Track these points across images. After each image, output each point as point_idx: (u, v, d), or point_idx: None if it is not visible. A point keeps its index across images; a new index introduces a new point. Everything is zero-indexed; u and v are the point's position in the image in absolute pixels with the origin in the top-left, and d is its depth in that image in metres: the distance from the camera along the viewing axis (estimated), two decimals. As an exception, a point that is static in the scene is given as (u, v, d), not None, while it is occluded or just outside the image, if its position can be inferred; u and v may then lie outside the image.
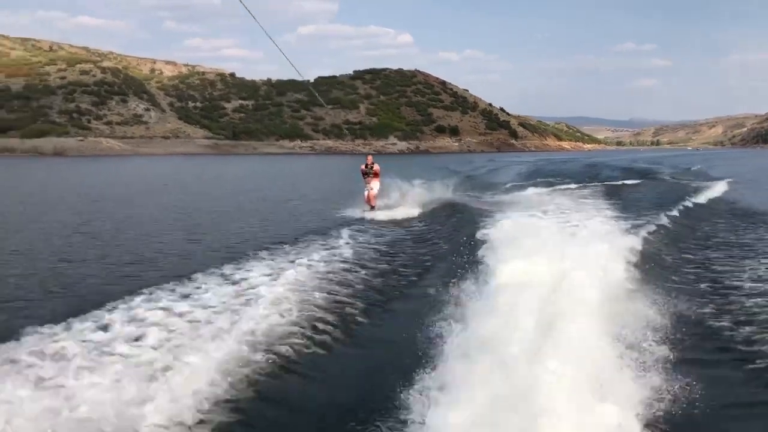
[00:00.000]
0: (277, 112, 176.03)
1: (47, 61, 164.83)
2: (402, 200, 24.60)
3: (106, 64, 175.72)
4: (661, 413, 5.68)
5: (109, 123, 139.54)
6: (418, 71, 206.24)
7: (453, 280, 9.97)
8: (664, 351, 7.06)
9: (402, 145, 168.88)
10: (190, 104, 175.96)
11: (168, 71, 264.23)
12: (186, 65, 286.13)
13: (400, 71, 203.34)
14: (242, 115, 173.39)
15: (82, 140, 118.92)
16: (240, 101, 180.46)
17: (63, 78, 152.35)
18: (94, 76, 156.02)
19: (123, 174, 59.96)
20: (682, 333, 7.91)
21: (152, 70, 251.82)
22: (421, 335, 7.66)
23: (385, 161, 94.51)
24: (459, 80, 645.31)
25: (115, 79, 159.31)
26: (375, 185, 22.92)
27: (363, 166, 23.45)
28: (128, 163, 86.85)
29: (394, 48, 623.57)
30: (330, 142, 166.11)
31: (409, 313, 9.32)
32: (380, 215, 21.28)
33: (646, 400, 5.74)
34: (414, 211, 22.15)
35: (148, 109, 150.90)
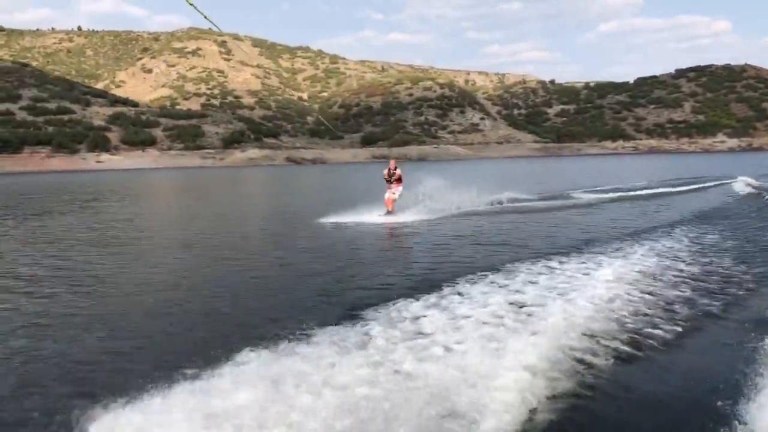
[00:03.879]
0: (598, 114, 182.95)
1: (396, 81, 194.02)
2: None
3: (441, 80, 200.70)
4: None
5: (452, 132, 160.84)
6: (749, 65, 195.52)
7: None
8: None
9: (732, 142, 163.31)
10: (515, 111, 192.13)
11: (480, 81, 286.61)
12: (496, 74, 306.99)
13: (727, 67, 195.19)
14: (564, 119, 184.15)
15: (436, 147, 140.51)
16: (561, 106, 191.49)
17: (411, 95, 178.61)
18: (434, 91, 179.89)
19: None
20: None
21: (466, 81, 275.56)
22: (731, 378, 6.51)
23: (708, 159, 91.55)
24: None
25: (452, 93, 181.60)
26: (397, 190, 22.33)
27: (385, 172, 22.77)
28: (477, 164, 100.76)
29: (708, 38, 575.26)
30: (653, 142, 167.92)
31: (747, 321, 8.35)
32: None
33: None
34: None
35: (483, 118, 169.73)
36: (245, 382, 6.04)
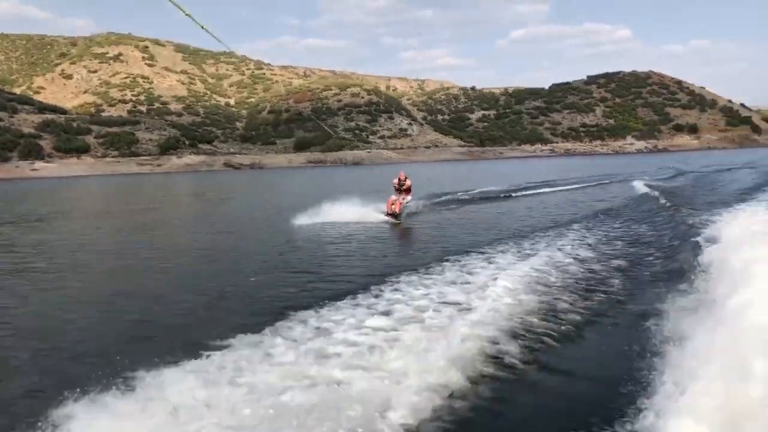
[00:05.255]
0: (517, 119, 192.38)
1: (323, 87, 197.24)
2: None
3: (367, 86, 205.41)
4: None
5: (382, 137, 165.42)
6: (653, 72, 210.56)
7: (667, 295, 9.22)
8: None
9: (640, 144, 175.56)
10: (439, 117, 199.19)
11: (401, 87, 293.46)
12: (416, 80, 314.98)
13: (634, 73, 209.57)
14: (485, 124, 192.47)
15: (369, 152, 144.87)
16: (482, 112, 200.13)
17: (339, 101, 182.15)
18: (362, 98, 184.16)
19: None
20: None
21: (387, 87, 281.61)
22: (639, 349, 7.07)
23: (620, 160, 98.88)
24: (686, 73, 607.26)
25: (379, 99, 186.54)
26: (406, 199, 22.58)
27: (395, 181, 22.78)
28: (417, 167, 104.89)
29: (611, 44, 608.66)
30: (568, 145, 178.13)
31: (616, 330, 8.51)
32: None
33: None
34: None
35: (410, 123, 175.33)
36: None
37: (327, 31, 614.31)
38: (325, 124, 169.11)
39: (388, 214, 21.74)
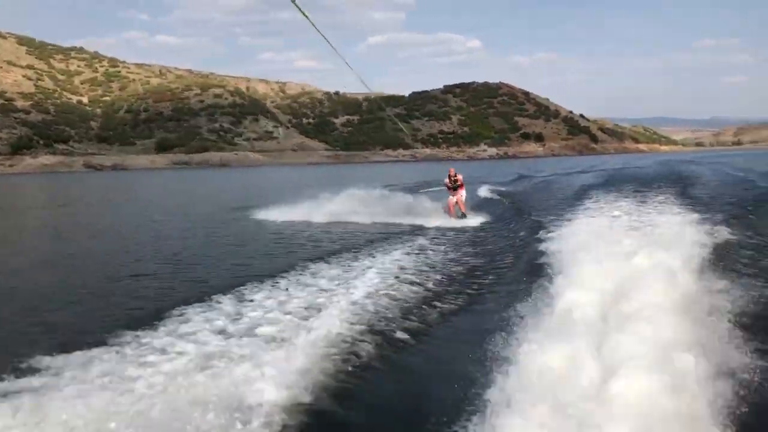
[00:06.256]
0: (380, 124, 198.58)
1: (184, 87, 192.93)
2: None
3: (230, 87, 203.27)
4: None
5: (247, 139, 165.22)
6: (503, 83, 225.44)
7: (511, 295, 9.71)
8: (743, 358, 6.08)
9: (492, 151, 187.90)
10: (304, 121, 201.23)
11: (261, 88, 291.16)
12: (276, 82, 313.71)
13: (486, 84, 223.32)
14: (350, 128, 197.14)
15: (236, 154, 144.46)
16: (347, 116, 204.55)
17: (202, 101, 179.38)
18: (226, 99, 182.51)
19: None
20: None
21: (247, 88, 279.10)
22: (475, 358, 6.96)
23: (472, 166, 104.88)
24: (530, 84, 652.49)
25: (243, 100, 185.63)
26: (462, 194, 21.77)
27: (447, 180, 22.04)
28: (283, 170, 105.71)
29: (463, 54, 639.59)
30: (428, 150, 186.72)
31: (464, 331, 8.78)
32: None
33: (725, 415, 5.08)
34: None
35: (276, 126, 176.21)
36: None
37: (180, 29, 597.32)
38: (188, 124, 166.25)
39: (460, 216, 21.27)
